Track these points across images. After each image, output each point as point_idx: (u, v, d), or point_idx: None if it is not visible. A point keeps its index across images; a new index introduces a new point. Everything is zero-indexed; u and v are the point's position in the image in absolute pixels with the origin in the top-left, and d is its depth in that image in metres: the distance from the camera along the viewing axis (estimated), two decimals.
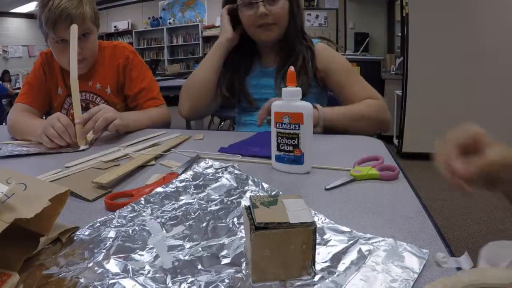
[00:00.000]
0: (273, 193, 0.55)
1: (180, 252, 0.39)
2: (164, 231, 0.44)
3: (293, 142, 0.63)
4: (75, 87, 0.99)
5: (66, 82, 1.18)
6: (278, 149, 0.65)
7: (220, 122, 3.65)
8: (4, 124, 1.15)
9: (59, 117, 0.89)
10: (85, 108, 0.96)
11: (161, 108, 1.20)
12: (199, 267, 0.37)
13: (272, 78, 1.07)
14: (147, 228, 0.44)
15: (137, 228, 0.44)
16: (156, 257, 0.38)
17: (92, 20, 1.09)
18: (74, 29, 1.01)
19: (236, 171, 0.61)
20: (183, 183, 0.57)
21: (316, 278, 0.34)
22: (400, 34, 4.47)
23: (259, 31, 1.02)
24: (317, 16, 5.82)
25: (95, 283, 0.34)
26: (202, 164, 0.64)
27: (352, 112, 0.96)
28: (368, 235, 0.41)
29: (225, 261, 0.38)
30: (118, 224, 0.45)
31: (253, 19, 1.00)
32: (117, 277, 0.35)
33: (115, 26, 7.99)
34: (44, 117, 1.21)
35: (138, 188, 0.57)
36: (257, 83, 1.10)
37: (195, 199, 0.52)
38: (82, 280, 0.35)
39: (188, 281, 0.34)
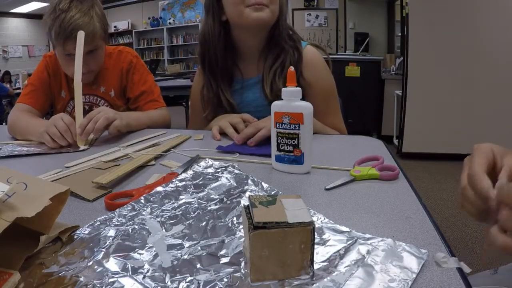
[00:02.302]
0: (272, 192, 0.55)
1: (179, 251, 0.39)
2: (164, 230, 0.44)
3: (293, 142, 0.63)
4: (79, 90, 0.99)
5: (69, 85, 1.20)
6: (278, 149, 0.65)
7: None
8: (4, 124, 1.15)
9: (62, 117, 0.89)
10: (88, 111, 0.96)
11: (161, 110, 1.22)
12: (198, 266, 0.37)
13: (253, 90, 1.01)
14: (147, 227, 0.44)
15: (136, 227, 0.44)
16: (156, 256, 0.39)
17: (101, 37, 1.10)
18: (81, 34, 1.02)
19: (236, 171, 0.61)
20: (183, 183, 0.57)
21: (315, 277, 0.35)
22: (400, 34, 4.47)
23: (247, 11, 0.89)
24: (317, 16, 5.82)
25: (95, 281, 0.34)
26: (202, 163, 0.64)
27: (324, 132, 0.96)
28: (367, 235, 0.41)
29: (224, 260, 0.38)
30: (118, 223, 0.45)
31: None
32: (117, 275, 0.35)
33: (115, 26, 7.99)
34: (44, 119, 1.22)
35: (138, 188, 0.57)
36: (240, 101, 1.03)
37: (195, 199, 0.52)
38: (82, 279, 0.35)
39: (187, 280, 0.35)
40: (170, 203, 0.51)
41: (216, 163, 0.64)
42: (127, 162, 0.71)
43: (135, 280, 0.35)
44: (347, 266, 0.36)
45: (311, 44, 1.04)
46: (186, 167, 0.66)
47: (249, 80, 1.03)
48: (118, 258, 0.38)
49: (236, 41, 1.00)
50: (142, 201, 0.51)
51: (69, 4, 1.03)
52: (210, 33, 0.98)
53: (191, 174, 0.60)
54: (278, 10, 0.94)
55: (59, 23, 1.01)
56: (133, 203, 0.50)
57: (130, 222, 0.46)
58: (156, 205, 0.50)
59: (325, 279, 0.34)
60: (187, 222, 0.46)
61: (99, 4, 1.11)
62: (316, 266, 0.36)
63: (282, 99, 0.64)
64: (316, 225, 0.39)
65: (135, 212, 0.48)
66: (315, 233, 0.35)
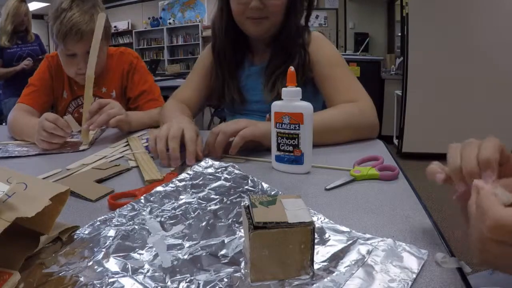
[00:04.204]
0: (272, 192, 0.55)
1: (179, 251, 0.39)
2: (164, 230, 0.44)
3: (293, 142, 0.63)
4: (90, 83, 0.98)
5: (71, 86, 1.22)
6: (278, 149, 0.65)
7: (220, 122, 3.66)
8: (4, 124, 1.15)
9: (46, 117, 0.87)
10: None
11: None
12: (198, 266, 0.37)
13: (257, 78, 1.01)
14: (147, 227, 0.44)
15: (136, 227, 0.44)
16: (156, 256, 0.39)
17: (102, 36, 1.09)
18: (101, 18, 1.01)
19: (236, 171, 0.61)
20: (183, 183, 0.57)
21: (315, 277, 0.35)
22: (400, 34, 4.47)
23: (247, 22, 0.92)
24: (317, 16, 5.81)
25: (95, 281, 0.34)
26: (202, 163, 0.64)
27: (328, 124, 0.80)
28: (367, 235, 0.41)
29: (224, 260, 0.38)
30: (118, 223, 0.45)
31: (243, 9, 0.89)
32: (117, 275, 0.35)
33: (115, 26, 7.99)
34: None
35: (140, 188, 0.57)
36: (245, 84, 1.04)
37: (195, 199, 0.52)
38: (82, 279, 0.35)
39: (187, 280, 0.35)
40: (170, 203, 0.51)
41: (216, 163, 0.64)
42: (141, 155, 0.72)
43: (135, 280, 0.35)
44: (347, 266, 0.36)
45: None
46: (185, 167, 0.66)
47: (258, 66, 1.04)
48: (118, 258, 0.38)
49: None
50: (142, 201, 0.51)
51: (70, 3, 1.04)
52: (217, 28, 0.99)
53: (191, 174, 0.60)
54: (282, 18, 0.93)
55: (60, 21, 1.03)
56: (133, 203, 0.50)
57: (130, 222, 0.46)
58: (156, 205, 0.50)
59: (325, 279, 0.34)
60: (187, 222, 0.46)
61: (101, 5, 1.12)
62: (316, 266, 0.36)
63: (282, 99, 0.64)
64: (316, 225, 0.39)
65: (135, 212, 0.48)
66: (315, 233, 0.35)
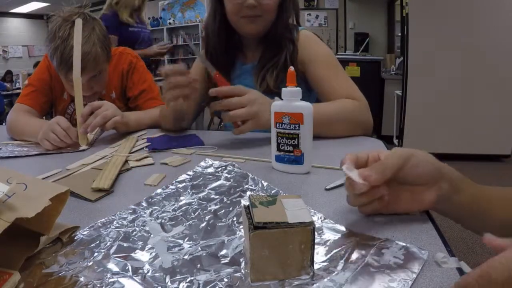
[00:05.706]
0: (272, 192, 0.55)
1: (179, 252, 0.39)
2: (164, 232, 0.44)
3: (293, 142, 0.63)
4: (78, 85, 0.97)
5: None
6: (278, 149, 0.65)
7: (220, 122, 3.65)
8: (4, 124, 1.15)
9: (58, 121, 0.88)
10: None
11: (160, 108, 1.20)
12: (198, 266, 0.37)
13: (249, 76, 1.01)
14: (147, 229, 0.44)
15: (137, 228, 0.45)
16: (156, 257, 0.39)
17: (104, 60, 1.09)
18: (78, 24, 0.99)
19: (236, 169, 0.61)
20: (183, 184, 0.57)
21: (315, 277, 0.35)
22: (400, 34, 4.47)
23: (242, 21, 0.94)
24: (317, 16, 5.81)
25: (95, 281, 0.34)
26: (202, 163, 0.64)
27: (323, 115, 0.81)
28: (368, 235, 0.41)
29: (224, 260, 0.38)
30: (119, 225, 0.45)
31: (238, 8, 0.91)
32: (117, 276, 0.35)
33: None
34: (44, 118, 1.22)
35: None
36: (238, 83, 1.01)
37: (195, 199, 0.52)
38: (82, 279, 0.35)
39: (187, 280, 0.35)
40: (170, 205, 0.51)
41: (216, 163, 0.64)
42: (111, 159, 0.72)
43: (135, 280, 0.35)
44: (347, 266, 0.36)
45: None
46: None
47: (249, 64, 1.04)
48: (118, 259, 0.38)
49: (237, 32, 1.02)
50: (144, 203, 0.51)
51: (69, 30, 1.00)
52: (210, 30, 1.00)
53: (191, 175, 0.60)
54: (274, 17, 0.95)
55: (60, 54, 0.99)
56: (134, 206, 0.50)
57: (131, 224, 0.46)
58: (156, 207, 0.50)
59: (325, 279, 0.34)
60: (188, 223, 0.46)
61: (99, 24, 1.08)
62: (316, 266, 0.36)
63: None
64: (316, 225, 0.39)
65: (136, 215, 0.48)
66: (315, 233, 0.35)
